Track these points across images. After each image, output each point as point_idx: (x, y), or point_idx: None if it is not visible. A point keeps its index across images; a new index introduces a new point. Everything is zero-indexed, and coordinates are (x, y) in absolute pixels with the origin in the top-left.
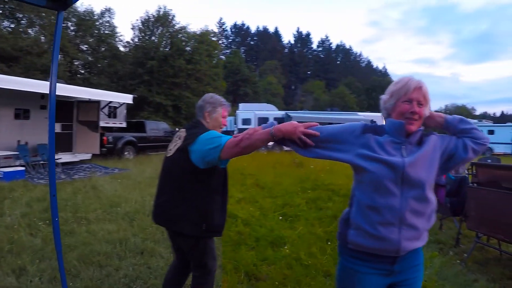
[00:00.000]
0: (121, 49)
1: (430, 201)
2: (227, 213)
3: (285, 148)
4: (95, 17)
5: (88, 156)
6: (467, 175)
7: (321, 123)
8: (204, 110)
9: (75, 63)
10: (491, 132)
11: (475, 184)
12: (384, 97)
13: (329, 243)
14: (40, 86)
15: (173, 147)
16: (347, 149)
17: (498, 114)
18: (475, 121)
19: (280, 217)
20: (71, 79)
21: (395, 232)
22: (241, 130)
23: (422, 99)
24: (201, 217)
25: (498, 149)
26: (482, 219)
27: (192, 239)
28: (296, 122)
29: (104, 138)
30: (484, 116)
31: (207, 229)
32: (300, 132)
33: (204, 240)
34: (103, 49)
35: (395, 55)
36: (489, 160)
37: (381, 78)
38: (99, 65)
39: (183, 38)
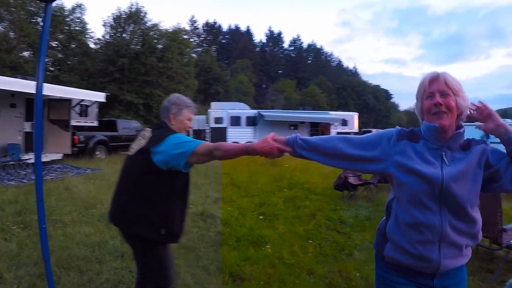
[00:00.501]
0: (92, 46)
1: (474, 220)
2: (204, 215)
3: None
4: (65, 13)
5: (59, 156)
6: None
7: (293, 122)
8: (170, 112)
9: (45, 60)
10: None
11: None
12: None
13: (310, 241)
14: (10, 84)
15: (135, 146)
16: (381, 158)
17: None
18: None
19: (261, 216)
20: None
21: (435, 251)
22: (213, 129)
23: (445, 88)
24: (161, 221)
25: None
26: None
27: (149, 244)
28: (271, 138)
29: (75, 137)
30: None
31: (166, 234)
32: (276, 154)
33: (160, 246)
34: (73, 46)
35: (365, 55)
36: None
37: (351, 78)
38: (69, 62)
39: (155, 36)
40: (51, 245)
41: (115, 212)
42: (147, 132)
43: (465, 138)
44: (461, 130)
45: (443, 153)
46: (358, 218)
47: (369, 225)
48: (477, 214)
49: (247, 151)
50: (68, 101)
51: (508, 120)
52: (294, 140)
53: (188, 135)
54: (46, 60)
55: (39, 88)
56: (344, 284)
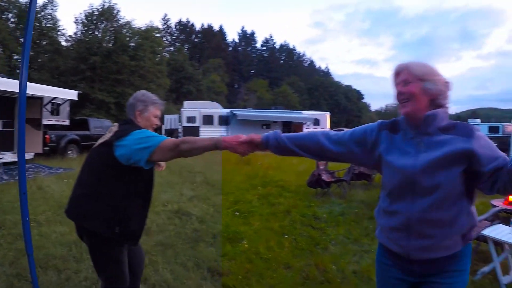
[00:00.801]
0: (63, 43)
1: (454, 210)
2: (180, 212)
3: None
4: (37, 9)
5: (30, 156)
6: None
7: (266, 121)
8: (135, 109)
9: (15, 57)
10: None
11: None
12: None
13: (285, 236)
14: None
15: (101, 139)
16: (367, 150)
17: None
18: None
19: (236, 213)
20: (11, 74)
21: (404, 239)
22: (186, 128)
23: (407, 77)
24: (116, 218)
25: None
26: None
27: (102, 241)
28: (240, 137)
29: (47, 136)
30: None
31: (120, 233)
32: (242, 151)
33: (114, 245)
34: (44, 43)
35: (337, 55)
36: None
37: (323, 78)
38: (40, 60)
39: (127, 34)
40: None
41: (69, 206)
42: (115, 127)
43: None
44: (430, 112)
45: (419, 140)
46: (332, 214)
47: (342, 220)
48: (463, 205)
49: (216, 145)
50: (40, 99)
51: (477, 120)
52: (275, 136)
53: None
54: (16, 57)
55: (22, 88)
56: (321, 276)
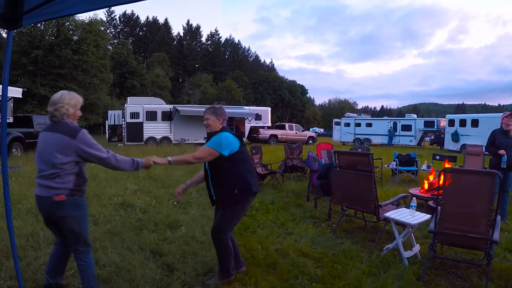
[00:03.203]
0: (4, 35)
1: None
2: (125, 204)
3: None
4: None
5: None
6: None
7: None
8: None
9: None
10: (369, 125)
11: (338, 168)
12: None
13: None
14: None
15: None
16: None
17: (378, 108)
18: (355, 114)
19: (176, 203)
20: None
21: None
22: (129, 124)
23: None
24: None
25: (376, 140)
26: (344, 196)
27: None
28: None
29: None
30: (366, 110)
31: None
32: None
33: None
34: None
35: (282, 51)
36: (359, 149)
37: (267, 73)
38: None
39: (70, 27)
40: None
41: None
42: None
43: None
44: None
45: None
46: (263, 203)
47: (272, 208)
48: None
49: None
50: None
51: (413, 115)
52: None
53: None
54: None
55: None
56: (247, 254)
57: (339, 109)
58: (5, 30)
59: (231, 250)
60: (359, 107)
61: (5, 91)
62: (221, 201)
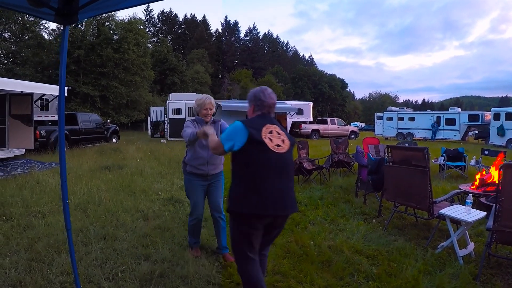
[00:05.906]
0: (46, 37)
1: None
2: (173, 200)
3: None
4: None
5: (21, 152)
6: (385, 156)
7: None
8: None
9: None
10: (412, 119)
11: (391, 163)
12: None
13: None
14: None
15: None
16: None
17: (420, 102)
18: (397, 108)
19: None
20: None
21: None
22: (172, 120)
23: None
24: None
25: (419, 135)
26: (397, 192)
27: None
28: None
29: (37, 132)
30: (407, 104)
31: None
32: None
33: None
34: (26, 37)
35: (321, 45)
36: (406, 144)
37: (307, 68)
38: (23, 55)
39: (110, 27)
40: (36, 234)
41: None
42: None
43: None
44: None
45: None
46: (312, 198)
47: (321, 204)
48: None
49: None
50: (30, 95)
51: (457, 109)
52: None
53: None
54: None
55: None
56: (300, 251)
57: (380, 103)
58: (51, 29)
59: (253, 283)
60: (400, 100)
61: (62, 87)
62: None
